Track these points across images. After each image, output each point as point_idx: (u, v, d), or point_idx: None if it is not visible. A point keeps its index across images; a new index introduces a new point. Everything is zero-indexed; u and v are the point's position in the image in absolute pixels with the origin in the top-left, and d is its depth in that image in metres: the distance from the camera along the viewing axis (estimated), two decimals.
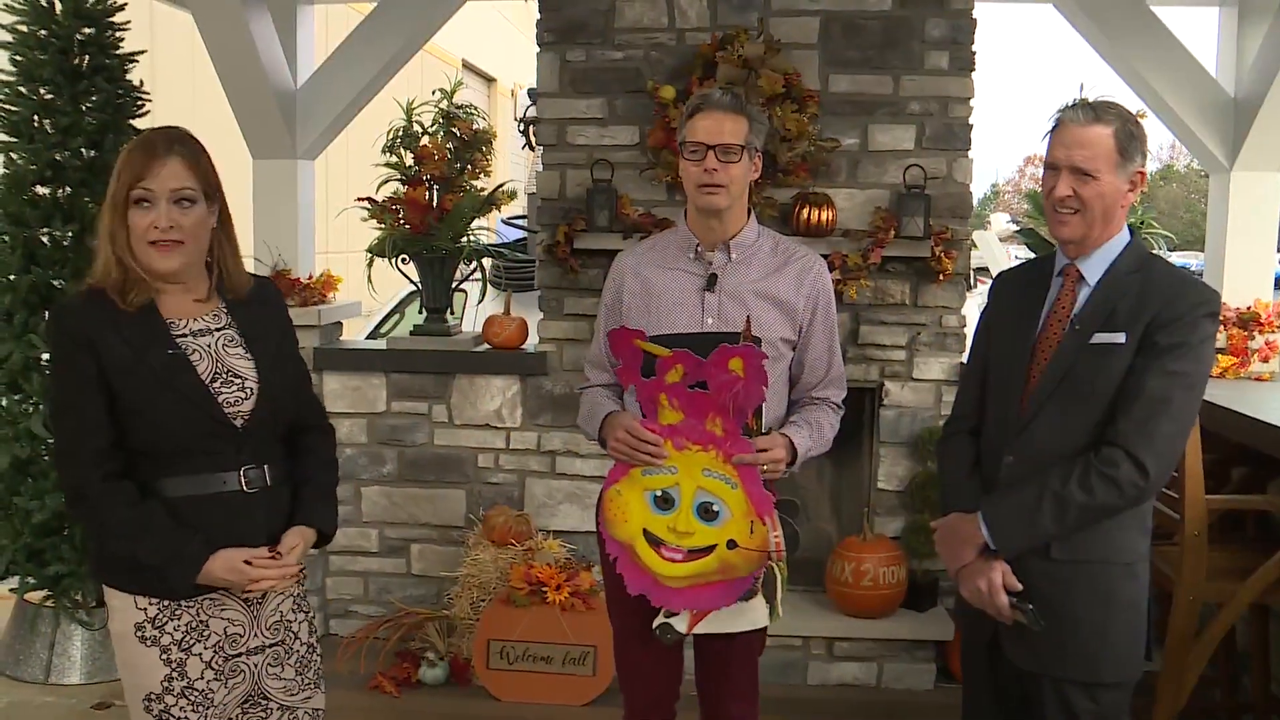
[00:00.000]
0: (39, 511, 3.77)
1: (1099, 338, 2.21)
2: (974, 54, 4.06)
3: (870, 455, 4.25)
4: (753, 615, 2.37)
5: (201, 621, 2.11)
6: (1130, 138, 2.21)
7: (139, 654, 2.09)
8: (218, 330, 2.15)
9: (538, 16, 4.20)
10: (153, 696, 2.09)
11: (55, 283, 3.84)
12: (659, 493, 2.33)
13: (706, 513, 2.30)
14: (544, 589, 3.84)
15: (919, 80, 4.05)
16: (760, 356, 2.24)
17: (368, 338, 5.99)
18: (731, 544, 2.27)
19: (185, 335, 2.10)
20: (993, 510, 2.26)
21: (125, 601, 2.10)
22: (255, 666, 2.18)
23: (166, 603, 2.09)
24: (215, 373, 2.10)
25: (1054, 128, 2.25)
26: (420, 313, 4.62)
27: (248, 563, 2.09)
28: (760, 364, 2.22)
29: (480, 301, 4.69)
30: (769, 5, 4.07)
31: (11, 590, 4.00)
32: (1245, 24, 4.65)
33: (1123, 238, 2.28)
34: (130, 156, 2.05)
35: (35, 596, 3.99)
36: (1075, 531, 2.20)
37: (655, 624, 2.35)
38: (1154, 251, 2.41)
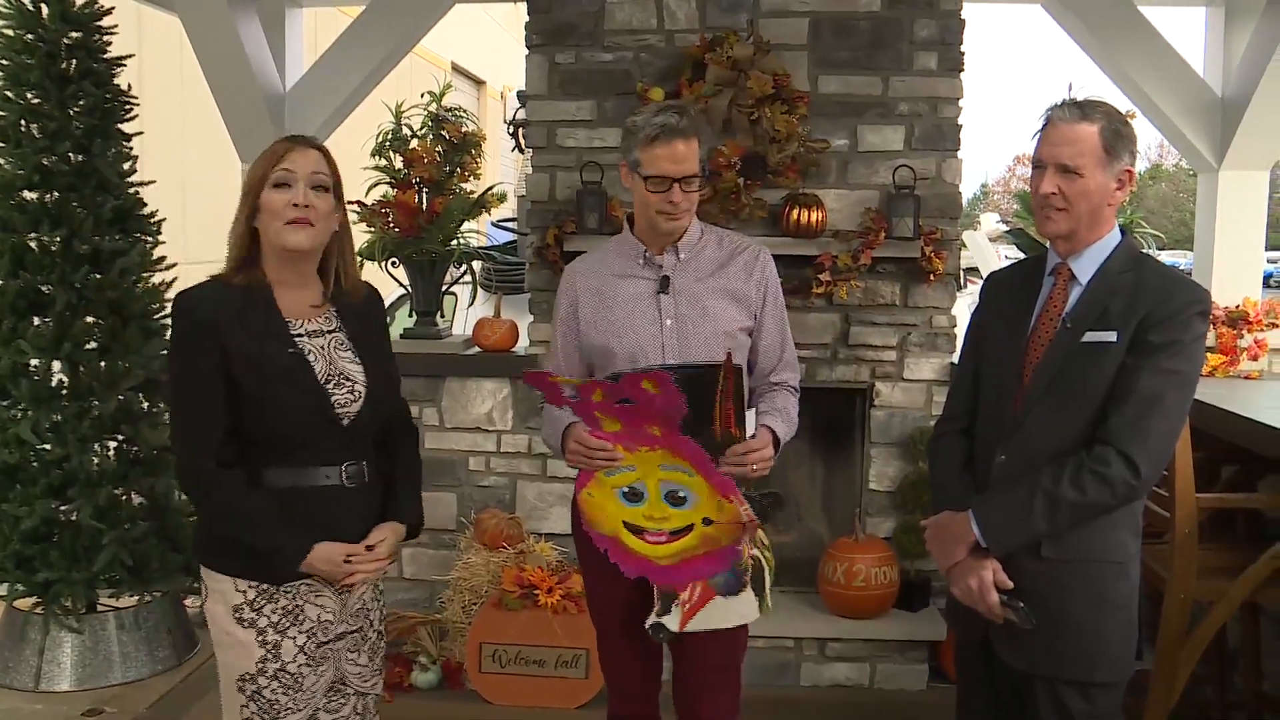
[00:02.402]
0: (28, 518, 3.75)
1: (1090, 336, 2.21)
2: (963, 55, 4.07)
3: (861, 456, 4.25)
4: (743, 609, 2.39)
5: (298, 606, 2.19)
6: (1117, 136, 2.21)
7: (236, 635, 2.17)
8: (329, 333, 2.25)
9: (527, 19, 4.19)
10: (247, 677, 2.17)
11: (43, 288, 3.82)
12: (626, 489, 2.41)
13: (674, 499, 2.38)
14: (536, 592, 3.83)
15: (908, 81, 4.06)
16: (667, 376, 2.26)
17: None
18: (707, 521, 2.37)
19: (301, 335, 2.21)
20: (984, 508, 2.26)
21: (225, 584, 2.17)
22: (337, 652, 2.26)
23: (265, 587, 2.17)
24: (329, 374, 2.20)
25: (1042, 126, 2.27)
26: (410, 316, 4.61)
27: (346, 559, 2.18)
28: (670, 381, 2.25)
29: (470, 304, 4.69)
30: (758, 6, 4.08)
31: (0, 597, 3.98)
32: (1232, 24, 4.68)
33: (1114, 237, 2.28)
34: (271, 148, 2.19)
35: (25, 604, 3.97)
36: (1067, 530, 2.20)
37: (648, 624, 2.36)
38: (1145, 251, 2.41)
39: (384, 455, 2.35)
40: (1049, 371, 2.25)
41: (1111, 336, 2.20)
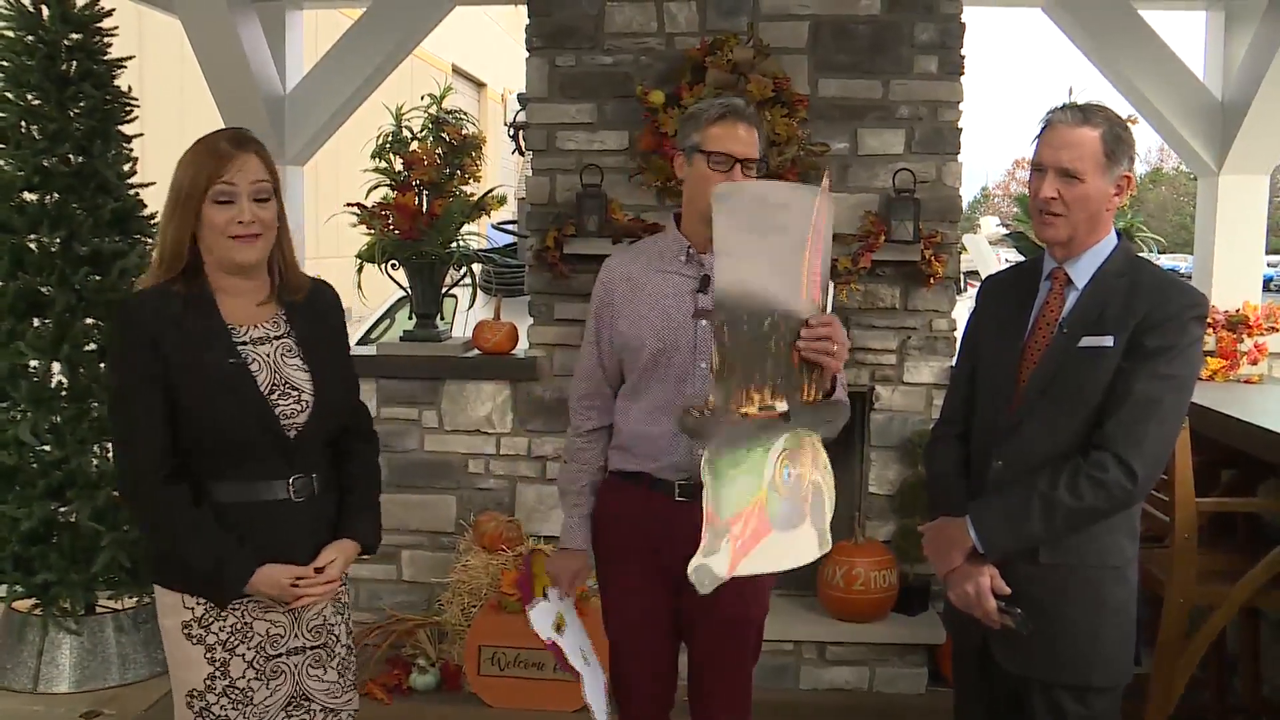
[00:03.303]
0: (27, 519, 3.75)
1: (1087, 341, 2.21)
2: (963, 58, 4.07)
3: (861, 459, 4.25)
4: (801, 547, 2.05)
5: (245, 624, 2.14)
6: (1118, 141, 2.21)
7: (185, 650, 2.12)
8: (276, 339, 2.16)
9: (527, 21, 4.20)
10: (195, 693, 2.12)
11: (43, 290, 3.82)
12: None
13: None
14: None
15: (908, 84, 4.06)
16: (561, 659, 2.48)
17: (358, 344, 5.96)
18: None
19: (245, 343, 2.12)
20: (981, 514, 2.25)
21: (174, 599, 2.12)
22: (296, 667, 2.21)
23: (213, 604, 2.12)
24: (273, 384, 2.12)
25: (1042, 129, 2.26)
26: (410, 318, 4.61)
27: (293, 583, 2.12)
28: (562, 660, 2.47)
29: (470, 307, 4.69)
30: (758, 10, 4.08)
31: None
32: (1232, 28, 4.68)
33: (1110, 241, 2.28)
34: (202, 155, 2.07)
35: (23, 605, 3.97)
36: (1064, 535, 2.20)
37: (691, 568, 1.92)
38: (1141, 254, 2.42)
39: (338, 467, 2.27)
40: (1045, 376, 2.24)
41: (1108, 341, 2.19)
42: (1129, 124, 2.32)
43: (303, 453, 2.15)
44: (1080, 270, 2.27)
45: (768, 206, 1.98)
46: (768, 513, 1.97)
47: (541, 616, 2.51)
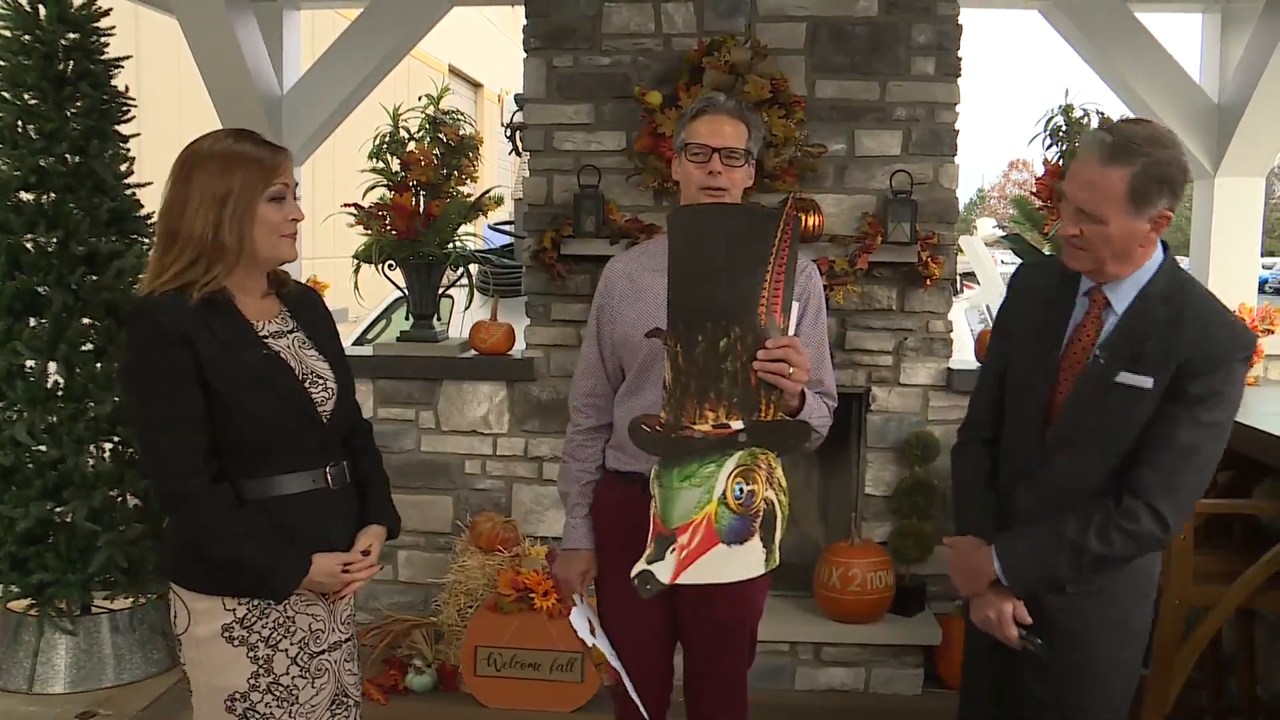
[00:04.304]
0: (23, 519, 3.74)
1: (1124, 378, 2.11)
2: (960, 60, 4.07)
3: (858, 460, 4.25)
4: (748, 562, 2.06)
5: (289, 618, 2.13)
6: (1152, 181, 2.04)
7: (225, 655, 2.09)
8: (289, 333, 2.19)
9: (525, 22, 4.20)
10: (237, 695, 2.10)
11: (40, 289, 3.82)
12: None
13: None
14: (531, 595, 3.83)
15: (905, 86, 4.06)
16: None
17: (354, 344, 5.97)
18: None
19: (267, 337, 2.14)
20: (1007, 550, 2.21)
21: (211, 604, 2.09)
22: (335, 664, 2.23)
23: (256, 602, 2.10)
24: (303, 373, 2.15)
25: (1078, 152, 2.14)
26: (407, 319, 4.61)
27: (344, 568, 2.16)
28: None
29: (467, 307, 4.68)
30: (756, 11, 4.08)
31: None
32: (1228, 30, 4.69)
33: (1153, 262, 2.15)
34: (248, 156, 2.07)
35: (19, 605, 3.97)
36: (1090, 578, 2.16)
37: (634, 571, 1.99)
38: (1187, 275, 2.21)
39: (350, 455, 2.30)
40: (1078, 410, 2.16)
41: (1147, 383, 2.09)
42: (1176, 155, 2.09)
43: (334, 440, 2.21)
44: (1120, 295, 2.16)
45: (727, 228, 1.99)
46: (716, 526, 2.00)
47: (579, 619, 2.51)
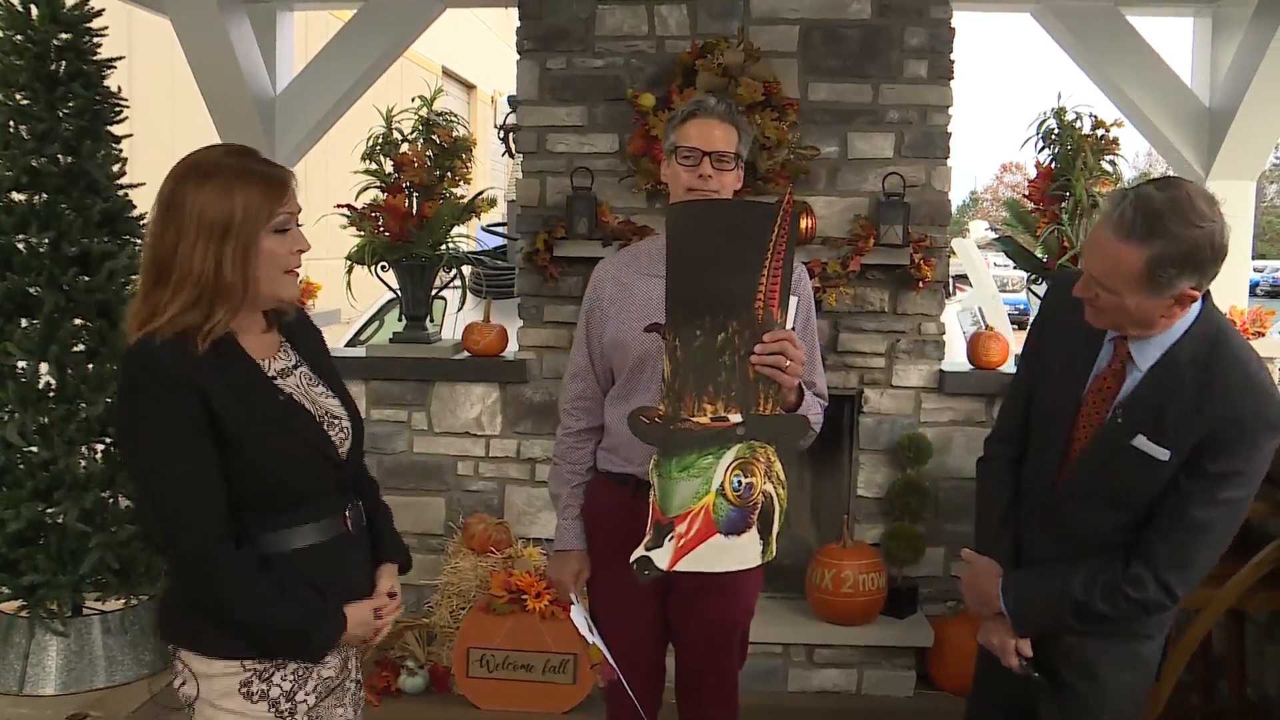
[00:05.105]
0: (14, 520, 3.73)
1: (1141, 443, 2.02)
2: (952, 63, 4.08)
3: (850, 462, 4.26)
4: (743, 554, 2.08)
5: (307, 667, 1.98)
6: (1170, 265, 1.89)
7: (245, 711, 1.92)
8: (294, 369, 2.00)
9: (518, 24, 4.20)
10: None
11: (31, 290, 3.81)
12: None
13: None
14: (524, 597, 3.83)
15: (898, 89, 4.07)
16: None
17: (347, 345, 5.97)
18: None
19: (275, 378, 1.94)
20: (1015, 595, 2.20)
21: (229, 666, 1.91)
22: (327, 710, 2.07)
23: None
24: (319, 415, 1.97)
25: (1099, 212, 2.07)
26: (400, 320, 4.60)
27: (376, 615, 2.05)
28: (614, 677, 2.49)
29: (460, 309, 4.69)
30: (749, 13, 4.09)
31: None
32: (1219, 34, 4.71)
33: (1187, 319, 2.01)
34: (254, 181, 1.84)
35: (10, 606, 3.95)
36: (1095, 631, 2.16)
37: (633, 557, 2.02)
38: (1224, 331, 2.05)
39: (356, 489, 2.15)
40: (1093, 466, 2.11)
41: (1164, 455, 2.00)
42: (1214, 237, 1.91)
43: (348, 480, 2.05)
44: (1145, 354, 2.05)
45: (724, 222, 2.00)
46: (714, 516, 2.04)
47: (579, 617, 2.51)
